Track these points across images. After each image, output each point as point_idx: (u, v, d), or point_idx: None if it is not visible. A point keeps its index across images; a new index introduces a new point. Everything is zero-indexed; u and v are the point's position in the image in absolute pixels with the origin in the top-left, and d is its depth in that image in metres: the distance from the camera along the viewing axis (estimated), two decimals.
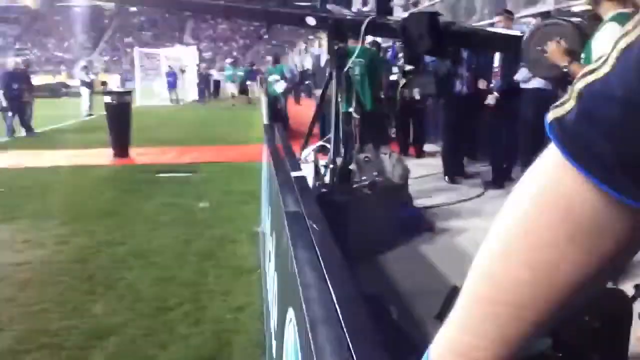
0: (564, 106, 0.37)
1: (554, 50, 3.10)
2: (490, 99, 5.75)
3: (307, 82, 19.85)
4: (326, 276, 1.30)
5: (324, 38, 6.92)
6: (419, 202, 5.24)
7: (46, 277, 3.95)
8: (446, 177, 6.40)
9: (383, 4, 5.32)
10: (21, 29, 62.98)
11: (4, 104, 11.99)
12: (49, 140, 11.85)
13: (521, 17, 6.92)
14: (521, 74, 5.52)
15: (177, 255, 4.34)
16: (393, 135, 8.68)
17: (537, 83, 5.33)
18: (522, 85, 5.79)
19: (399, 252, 4.14)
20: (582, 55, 3.10)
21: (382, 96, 6.35)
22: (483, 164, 7.42)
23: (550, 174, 0.39)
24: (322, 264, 1.37)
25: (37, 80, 37.24)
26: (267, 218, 3.42)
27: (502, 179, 5.92)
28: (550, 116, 0.38)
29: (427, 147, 8.76)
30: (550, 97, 5.57)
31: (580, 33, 3.15)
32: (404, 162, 4.95)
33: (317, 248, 1.44)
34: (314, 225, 1.58)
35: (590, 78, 0.36)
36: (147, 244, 4.64)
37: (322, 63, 7.29)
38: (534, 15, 5.70)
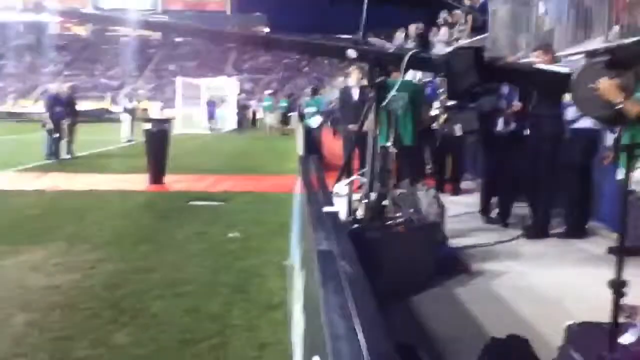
0: None
1: (607, 86, 2.94)
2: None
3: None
4: (356, 327, 1.19)
5: (355, 72, 6.89)
6: (454, 242, 5.07)
7: (74, 302, 3.91)
8: (483, 216, 6.18)
9: (424, 39, 5.25)
10: (71, 56, 65.60)
11: (50, 126, 12.39)
12: (88, 164, 12.12)
13: (568, 55, 6.75)
14: (570, 112, 5.33)
15: (206, 286, 4.26)
16: (429, 171, 8.53)
17: (586, 123, 5.14)
18: (571, 125, 5.60)
19: (433, 294, 3.97)
20: (637, 94, 2.95)
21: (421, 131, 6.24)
22: (523, 204, 7.19)
23: None
24: (353, 312, 1.26)
25: (82, 105, 38.55)
26: (297, 252, 3.32)
27: (541, 226, 5.63)
28: None
29: (464, 185, 8.58)
30: (598, 137, 5.38)
31: (634, 70, 3.00)
32: (440, 199, 4.80)
33: (348, 293, 1.34)
34: (346, 267, 1.47)
35: None
36: (177, 272, 4.58)
37: (355, 97, 7.24)
38: (582, 53, 5.54)
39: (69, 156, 12.80)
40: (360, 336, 1.12)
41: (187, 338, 3.31)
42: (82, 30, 69.50)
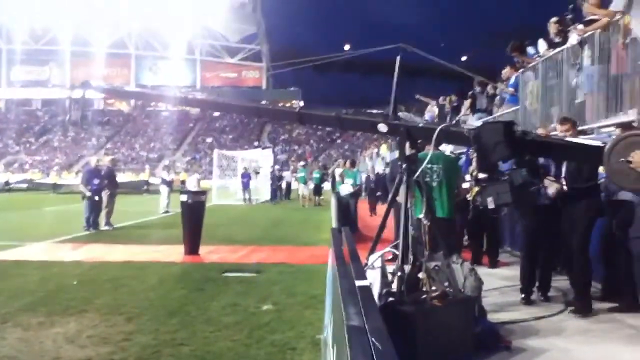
0: None
1: None
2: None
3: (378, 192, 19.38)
4: None
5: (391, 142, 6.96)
6: (494, 317, 4.91)
7: None
8: (523, 295, 5.91)
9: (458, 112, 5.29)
10: (113, 130, 68.53)
11: (88, 197, 12.77)
12: (126, 234, 12.36)
13: (601, 126, 6.73)
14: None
15: None
16: (465, 243, 8.40)
17: (627, 195, 5.04)
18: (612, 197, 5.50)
19: None
20: None
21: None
22: (563, 277, 6.97)
23: None
24: None
25: (122, 177, 39.89)
26: (329, 327, 3.26)
27: (586, 300, 5.39)
28: None
29: (502, 257, 8.40)
30: (634, 207, 5.25)
31: None
32: (476, 272, 4.69)
33: None
34: (377, 344, 1.45)
35: None
36: (209, 346, 4.54)
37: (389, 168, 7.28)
38: (615, 125, 5.52)
39: (107, 227, 13.09)
40: None
41: None
42: (124, 106, 72.95)
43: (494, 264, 7.99)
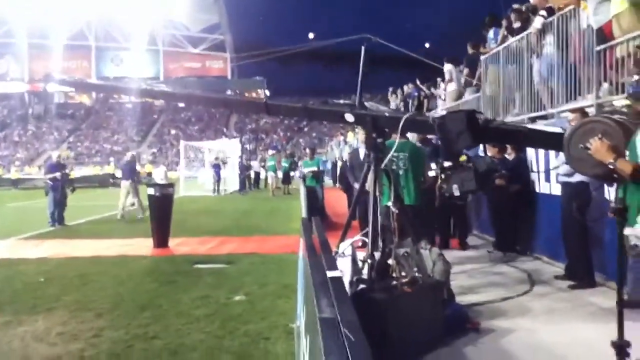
0: None
1: (598, 147, 3.02)
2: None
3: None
4: None
5: (362, 132, 7.04)
6: (462, 299, 5.03)
7: None
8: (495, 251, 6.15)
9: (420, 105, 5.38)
10: (75, 123, 66.91)
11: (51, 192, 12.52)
12: (93, 229, 12.16)
13: (560, 112, 6.92)
14: (563, 168, 5.43)
15: (211, 353, 4.20)
16: (434, 228, 8.54)
17: (580, 177, 5.22)
18: (565, 179, 5.69)
19: (442, 354, 3.92)
20: (627, 152, 3.02)
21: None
22: (528, 258, 7.20)
23: None
24: None
25: (87, 171, 39.07)
26: (302, 316, 3.30)
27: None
28: None
29: (470, 240, 8.60)
30: (590, 190, 5.46)
31: (624, 130, 3.08)
32: (444, 257, 4.80)
33: None
34: (349, 335, 1.48)
35: None
36: (181, 338, 4.53)
37: (362, 156, 7.34)
38: (573, 111, 5.68)
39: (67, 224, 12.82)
40: None
41: None
42: (86, 99, 71.24)
43: (464, 246, 8.19)
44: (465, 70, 11.52)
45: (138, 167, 20.29)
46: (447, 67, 12.34)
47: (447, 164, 4.84)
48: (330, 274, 2.17)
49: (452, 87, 12.35)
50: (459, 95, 11.91)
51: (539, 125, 4.93)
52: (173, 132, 63.73)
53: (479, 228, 9.27)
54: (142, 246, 9.30)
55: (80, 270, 7.39)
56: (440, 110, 11.75)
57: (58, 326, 4.89)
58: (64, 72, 57.77)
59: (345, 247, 4.72)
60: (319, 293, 1.91)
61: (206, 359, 4.09)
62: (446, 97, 12.78)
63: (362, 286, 3.94)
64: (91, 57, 73.89)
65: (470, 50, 11.01)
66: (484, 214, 8.70)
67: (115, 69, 72.91)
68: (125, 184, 14.34)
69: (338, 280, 2.12)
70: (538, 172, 6.84)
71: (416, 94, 14.95)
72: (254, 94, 62.63)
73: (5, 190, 31.41)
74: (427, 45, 55.65)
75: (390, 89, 18.65)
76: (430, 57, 7.59)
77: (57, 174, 12.71)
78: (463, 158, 6.26)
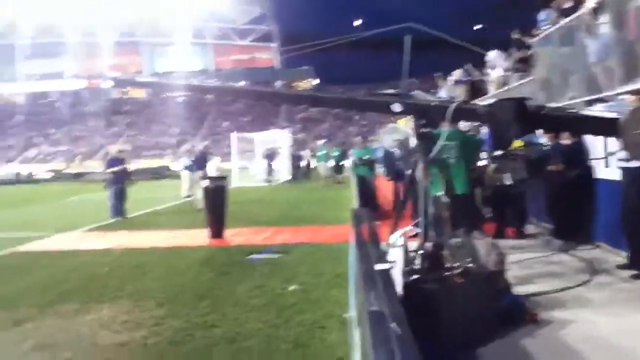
0: None
1: None
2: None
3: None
4: None
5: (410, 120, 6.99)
6: (519, 290, 4.95)
7: (142, 359, 4.06)
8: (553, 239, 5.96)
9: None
10: (131, 118, 69.09)
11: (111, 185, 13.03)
12: (151, 221, 12.58)
13: (618, 94, 6.64)
14: (622, 154, 5.24)
15: (267, 341, 4.32)
16: (489, 216, 8.39)
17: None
18: (625, 164, 5.49)
19: (499, 345, 3.87)
20: None
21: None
22: (588, 247, 6.98)
23: None
24: None
25: (143, 163, 40.32)
26: (354, 307, 3.35)
27: None
28: None
29: (527, 229, 8.40)
30: None
31: None
32: (499, 246, 4.73)
33: (397, 356, 1.37)
34: (396, 329, 1.51)
35: None
36: (239, 327, 4.67)
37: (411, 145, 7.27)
38: (632, 92, 5.45)
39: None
40: None
41: None
42: (140, 94, 73.32)
43: (520, 235, 8.01)
44: (514, 55, 11.21)
45: (192, 160, 20.80)
46: (491, 55, 12.05)
47: (497, 153, 4.76)
48: (379, 265, 2.21)
49: (496, 73, 12.04)
50: (504, 83, 11.61)
51: (594, 110, 4.75)
52: (224, 124, 64.79)
53: (537, 216, 9.03)
54: (198, 237, 9.57)
55: (140, 261, 7.70)
56: (489, 98, 11.48)
57: (122, 314, 5.14)
58: (116, 68, 59.66)
59: (397, 237, 4.73)
60: (367, 285, 1.95)
61: (263, 346, 4.21)
62: (491, 85, 12.48)
63: (414, 277, 3.95)
64: (141, 52, 75.78)
65: (516, 36, 10.69)
66: (542, 201, 8.46)
67: (165, 63, 74.57)
68: (197, 174, 15.07)
69: (387, 274, 2.15)
70: (597, 157, 6.62)
71: (466, 79, 14.63)
72: (302, 84, 62.75)
73: (69, 184, 32.84)
74: (477, 27, 54.23)
75: (440, 74, 18.33)
76: (479, 40, 7.43)
77: (116, 168, 13.19)
78: (519, 143, 6.14)
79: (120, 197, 13.13)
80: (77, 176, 37.08)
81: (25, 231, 11.05)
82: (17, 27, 66.28)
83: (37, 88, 72.79)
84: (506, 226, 8.19)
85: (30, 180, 38.05)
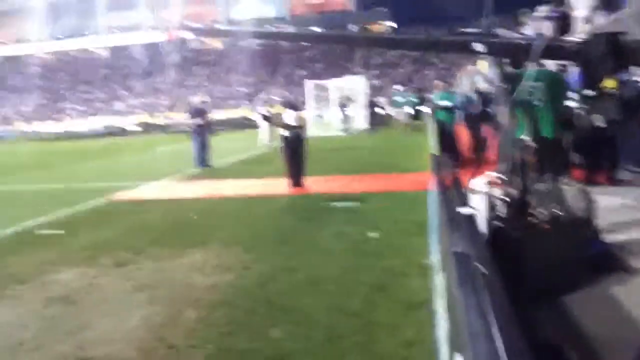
0: None
1: None
2: None
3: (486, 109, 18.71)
4: (493, 327, 1.25)
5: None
6: (610, 237, 4.75)
7: (232, 300, 4.31)
8: None
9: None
10: (210, 68, 70.51)
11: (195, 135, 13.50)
12: (233, 170, 13.03)
13: None
14: None
15: (349, 285, 4.45)
16: (577, 162, 7.98)
17: None
18: None
19: (585, 294, 3.77)
20: None
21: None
22: None
23: None
24: (489, 313, 1.32)
25: (221, 114, 41.39)
26: (436, 252, 3.36)
27: None
28: None
29: (620, 174, 7.94)
30: None
31: None
32: (588, 192, 4.53)
33: (484, 295, 1.39)
34: (482, 269, 1.52)
35: None
36: (320, 271, 4.84)
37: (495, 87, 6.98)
38: None
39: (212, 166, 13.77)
40: (497, 336, 1.18)
41: (335, 334, 3.52)
42: (218, 43, 74.36)
43: (612, 180, 7.59)
44: None
45: (269, 109, 21.11)
46: None
47: (589, 92, 4.47)
48: (462, 210, 2.19)
49: (581, 13, 11.11)
50: (589, 20, 10.71)
51: None
52: (300, 72, 64.80)
53: (631, 161, 8.47)
54: (279, 185, 9.81)
55: (225, 209, 8.06)
56: (579, 34, 10.68)
57: (213, 259, 5.44)
58: (194, 18, 60.53)
59: (480, 183, 4.63)
60: (451, 228, 1.95)
61: (345, 290, 4.34)
62: (577, 22, 11.53)
63: (498, 224, 3.88)
64: (216, 1, 76.41)
65: None
66: (636, 144, 7.92)
67: (242, 11, 74.91)
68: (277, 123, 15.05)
69: (470, 217, 2.13)
70: None
71: (554, 15, 13.64)
72: (377, 27, 61.16)
73: (155, 136, 34.41)
74: None
75: (526, 10, 17.24)
76: None
77: (199, 119, 13.62)
78: (611, 84, 5.73)
79: (203, 147, 13.60)
80: (163, 127, 38.73)
81: (118, 181, 11.78)
82: None
83: (118, 42, 75.49)
84: (597, 171, 7.77)
85: (118, 132, 40.25)
